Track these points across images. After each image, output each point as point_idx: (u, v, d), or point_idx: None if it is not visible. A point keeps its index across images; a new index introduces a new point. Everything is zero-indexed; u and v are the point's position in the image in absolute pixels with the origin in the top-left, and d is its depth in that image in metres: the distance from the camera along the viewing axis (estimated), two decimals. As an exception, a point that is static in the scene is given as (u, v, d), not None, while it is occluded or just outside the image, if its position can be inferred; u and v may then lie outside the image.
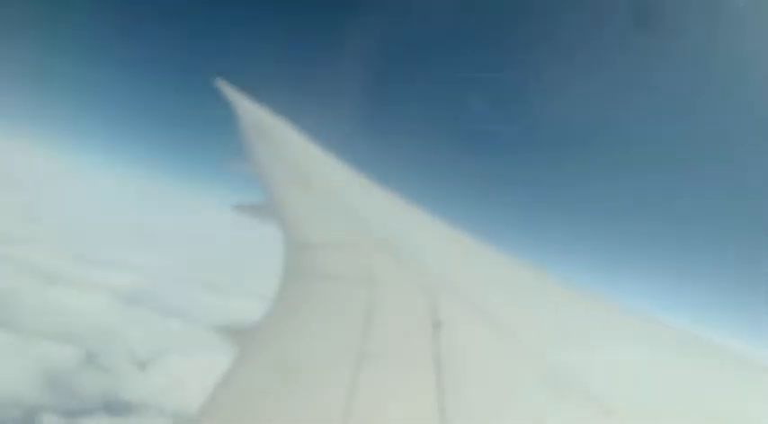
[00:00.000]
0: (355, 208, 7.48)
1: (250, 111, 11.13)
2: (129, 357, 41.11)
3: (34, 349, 38.91)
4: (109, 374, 38.59)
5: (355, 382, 3.03)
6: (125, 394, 36.45)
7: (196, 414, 2.72)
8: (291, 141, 10.47)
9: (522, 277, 6.85)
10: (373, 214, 7.54)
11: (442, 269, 5.83)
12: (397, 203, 8.23)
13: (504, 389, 3.31)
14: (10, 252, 57.25)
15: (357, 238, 6.17)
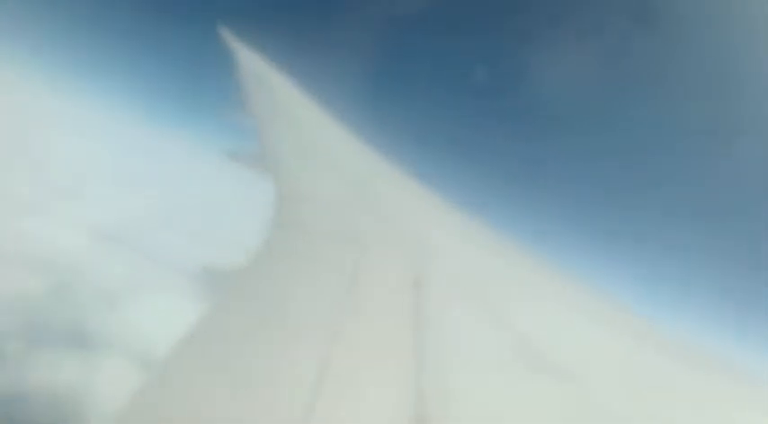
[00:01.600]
0: (348, 167, 7.12)
1: (249, 60, 10.59)
2: (99, 294, 40.38)
3: (3, 277, 37.91)
4: (77, 308, 37.90)
5: (335, 335, 3.01)
6: (92, 330, 35.86)
7: (167, 352, 2.51)
8: (288, 93, 9.99)
9: (505, 249, 6.95)
10: (365, 174, 7.23)
11: (427, 234, 5.79)
12: (390, 166, 8.09)
13: (478, 351, 3.37)
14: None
15: (347, 197, 5.85)
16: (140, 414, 2.11)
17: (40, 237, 47.00)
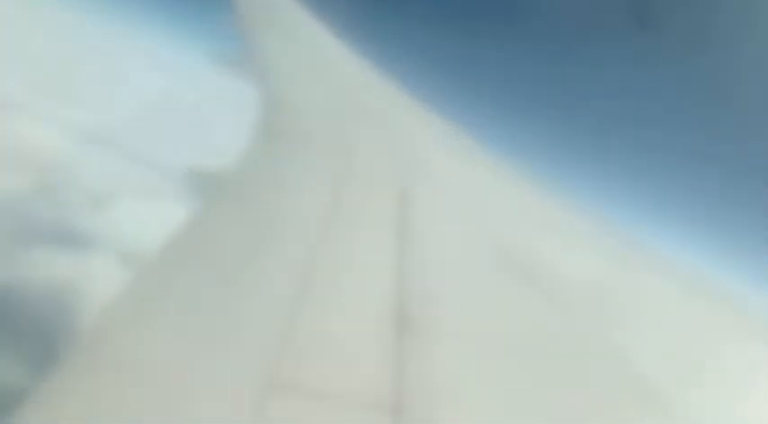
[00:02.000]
0: (341, 79, 6.88)
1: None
2: (84, 195, 40.12)
3: (-13, 173, 37.37)
4: (63, 208, 37.74)
5: (318, 241, 3.00)
6: (77, 229, 35.90)
7: (155, 253, 2.51)
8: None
9: (496, 167, 6.86)
10: (358, 88, 6.99)
11: (417, 148, 5.72)
12: (385, 82, 7.84)
13: (459, 260, 3.39)
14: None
15: (337, 107, 5.69)
16: (124, 311, 2.11)
17: (27, 136, 46.04)
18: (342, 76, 7.20)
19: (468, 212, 4.39)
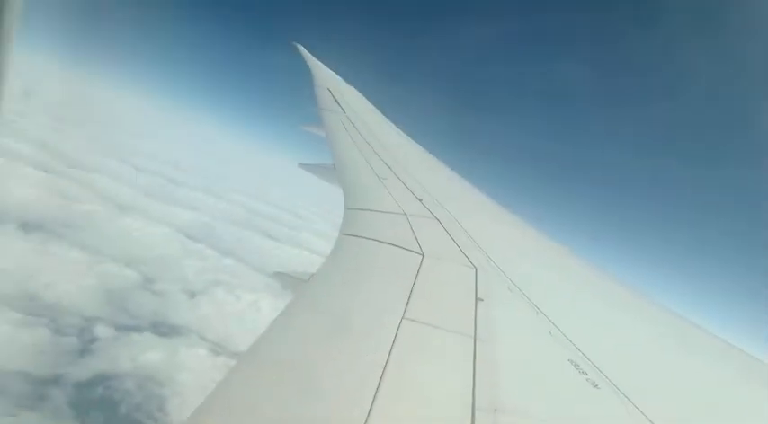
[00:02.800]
0: (415, 180, 7.32)
1: (324, 76, 11.05)
2: (181, 286, 42.26)
3: (100, 268, 40.31)
4: (161, 298, 39.78)
5: (395, 344, 2.98)
6: (173, 319, 37.53)
7: (243, 351, 2.63)
8: (360, 109, 10.35)
9: (563, 261, 6.90)
10: (431, 187, 7.39)
11: (488, 248, 5.78)
12: (455, 179, 8.20)
13: (534, 371, 3.31)
14: (93, 180, 59.33)
15: (413, 209, 6.08)
16: (218, 407, 2.21)
17: (141, 233, 49.97)
18: (417, 176, 7.64)
19: (542, 315, 4.42)
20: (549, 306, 4.68)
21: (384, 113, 10.30)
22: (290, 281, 4.66)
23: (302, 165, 8.29)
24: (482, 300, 4.09)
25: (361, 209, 5.73)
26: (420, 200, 6.33)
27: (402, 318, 3.37)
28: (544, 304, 4.69)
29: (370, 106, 10.67)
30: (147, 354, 32.31)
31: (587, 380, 3.45)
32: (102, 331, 33.22)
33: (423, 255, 4.78)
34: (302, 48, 12.04)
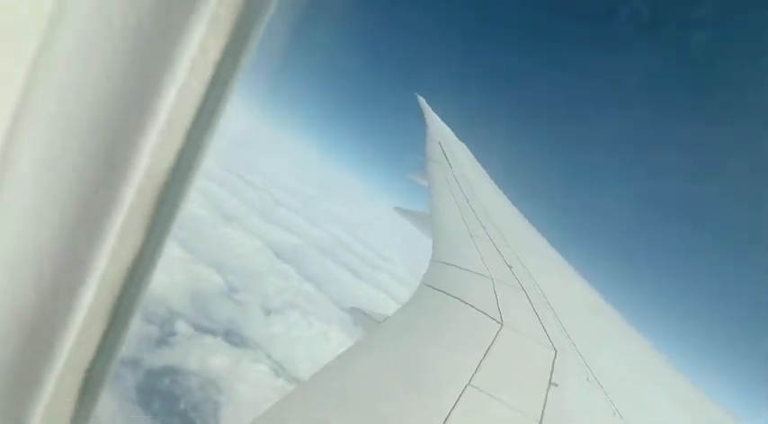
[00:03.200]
0: (508, 245, 7.17)
1: (438, 129, 11.21)
2: (260, 301, 43.46)
3: (193, 268, 42.31)
4: (239, 308, 41.05)
5: (455, 409, 2.90)
6: (245, 330, 38.52)
7: (303, 379, 2.60)
8: (464, 169, 10.36)
9: (650, 358, 6.67)
10: (525, 257, 7.21)
11: (570, 328, 5.56)
12: (551, 252, 8.02)
13: None
14: (207, 186, 63.10)
15: (497, 273, 5.94)
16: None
17: (235, 244, 52.38)
18: (513, 244, 7.51)
19: (612, 409, 4.25)
20: (627, 408, 4.36)
21: (491, 174, 10.25)
22: (363, 319, 4.64)
23: (398, 209, 8.38)
24: (556, 385, 3.89)
25: (448, 264, 5.67)
26: (509, 267, 6.17)
27: (468, 384, 3.26)
28: (622, 403, 4.38)
29: (478, 165, 10.66)
30: (215, 358, 33.26)
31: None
32: (181, 326, 34.66)
33: (501, 324, 4.63)
34: (422, 100, 12.33)
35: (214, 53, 0.89)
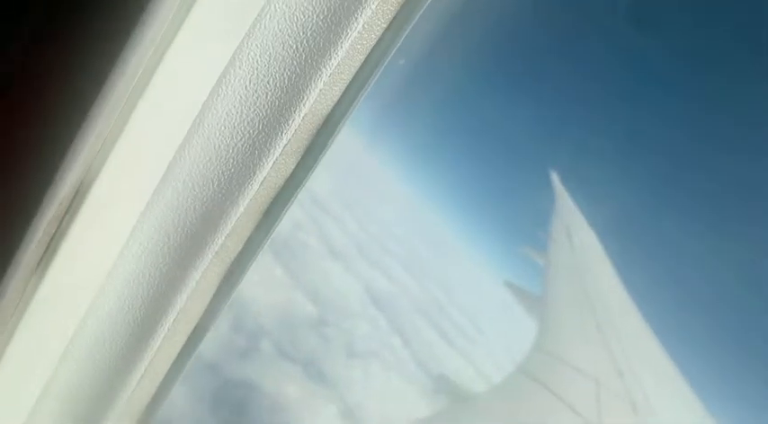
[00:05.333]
0: (623, 349, 6.66)
1: (567, 214, 10.83)
2: (345, 342, 43.59)
3: (291, 293, 43.55)
4: (324, 343, 41.39)
5: None
6: (324, 365, 38.66)
7: None
8: (589, 258, 9.87)
9: None
10: (638, 364, 6.66)
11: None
12: (669, 364, 7.36)
13: None
14: (322, 219, 65.46)
15: (605, 377, 5.49)
16: None
17: (335, 279, 53.43)
18: (618, 344, 7.00)
19: None
20: None
21: (617, 267, 9.65)
22: (447, 388, 4.39)
23: (508, 284, 8.04)
24: None
25: (552, 355, 5.32)
26: (620, 374, 5.69)
27: None
28: None
29: (604, 255, 10.11)
30: (290, 386, 33.56)
31: None
32: (266, 345, 35.48)
33: None
34: (556, 178, 12.05)
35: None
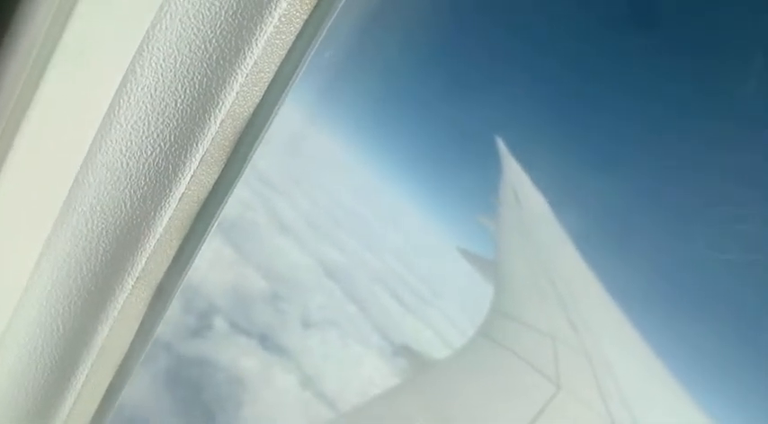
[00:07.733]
0: (576, 305, 6.84)
1: (513, 176, 10.96)
2: (301, 314, 43.68)
3: (242, 270, 43.10)
4: (279, 316, 41.38)
5: None
6: (281, 338, 38.75)
7: (348, 411, 2.38)
8: (537, 216, 10.04)
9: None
10: (593, 319, 6.87)
11: (639, 410, 5.24)
12: (623, 318, 7.69)
13: None
14: (270, 196, 64.60)
15: (561, 333, 5.62)
16: None
17: (288, 254, 53.15)
18: (575, 301, 7.20)
19: None
20: None
21: (570, 229, 9.84)
22: (409, 355, 4.41)
23: (461, 251, 8.11)
24: None
25: (509, 316, 5.39)
26: (576, 329, 5.84)
27: None
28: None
29: (552, 217, 10.32)
30: (247, 359, 33.50)
31: None
32: (219, 322, 35.19)
33: (558, 388, 4.34)
34: (501, 143, 12.15)
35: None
